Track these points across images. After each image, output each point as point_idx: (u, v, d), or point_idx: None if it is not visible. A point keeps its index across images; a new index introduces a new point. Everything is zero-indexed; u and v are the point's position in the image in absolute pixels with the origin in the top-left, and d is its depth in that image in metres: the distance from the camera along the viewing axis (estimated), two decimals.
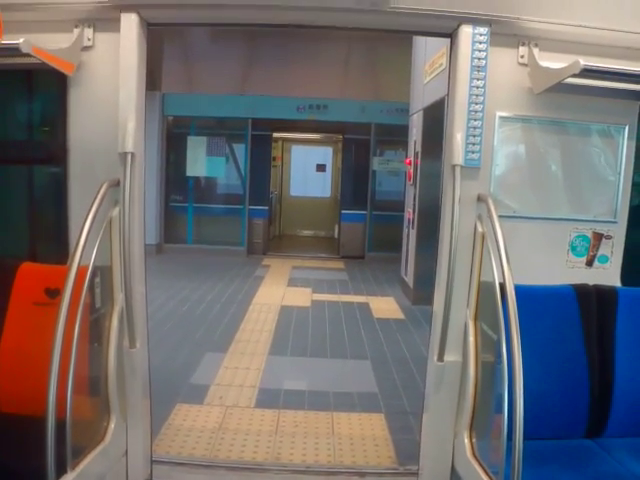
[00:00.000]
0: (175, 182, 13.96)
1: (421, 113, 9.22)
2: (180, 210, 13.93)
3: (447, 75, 3.47)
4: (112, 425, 3.26)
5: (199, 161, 13.42)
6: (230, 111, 13.39)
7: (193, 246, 13.71)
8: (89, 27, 3.23)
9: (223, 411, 4.83)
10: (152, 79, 11.64)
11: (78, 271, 2.68)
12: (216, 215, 14.10)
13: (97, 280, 3.16)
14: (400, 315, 8.67)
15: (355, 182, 14.28)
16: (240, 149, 13.86)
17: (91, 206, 2.90)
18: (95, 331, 3.18)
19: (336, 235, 15.34)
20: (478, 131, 3.23)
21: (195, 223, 13.96)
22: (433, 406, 3.45)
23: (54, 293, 3.00)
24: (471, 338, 3.30)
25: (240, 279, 10.89)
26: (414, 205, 9.40)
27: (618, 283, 3.50)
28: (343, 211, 14.32)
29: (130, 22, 3.16)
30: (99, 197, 2.97)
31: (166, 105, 13.41)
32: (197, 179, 13.93)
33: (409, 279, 9.69)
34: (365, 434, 4.49)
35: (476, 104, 3.21)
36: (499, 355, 2.73)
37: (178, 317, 8.03)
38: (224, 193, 14.45)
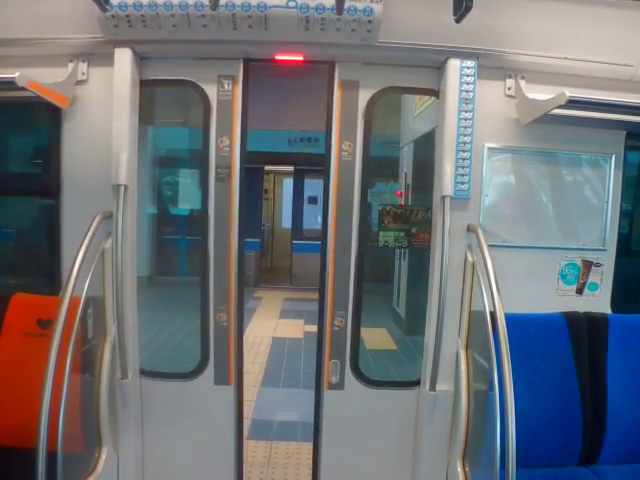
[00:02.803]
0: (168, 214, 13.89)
1: (411, 145, 9.27)
2: (172, 242, 13.86)
3: (436, 107, 3.52)
4: (104, 456, 3.24)
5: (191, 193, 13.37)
6: None
7: (186, 278, 13.60)
8: (83, 61, 3.28)
9: None
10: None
11: (71, 302, 2.68)
12: None
13: (89, 311, 3.16)
14: (392, 346, 8.59)
15: None
16: None
17: (84, 238, 2.91)
18: (87, 362, 3.17)
19: None
20: (467, 162, 3.27)
21: (187, 255, 13.88)
22: (426, 435, 3.43)
23: (46, 324, 3.00)
24: (463, 367, 3.30)
25: None
26: None
27: (608, 310, 3.51)
28: None
29: (124, 56, 3.21)
30: (92, 229, 2.98)
31: None
32: (190, 211, 13.86)
33: (401, 310, 9.65)
34: None
35: (465, 136, 3.25)
36: (491, 383, 2.74)
37: (170, 349, 7.96)
38: None
